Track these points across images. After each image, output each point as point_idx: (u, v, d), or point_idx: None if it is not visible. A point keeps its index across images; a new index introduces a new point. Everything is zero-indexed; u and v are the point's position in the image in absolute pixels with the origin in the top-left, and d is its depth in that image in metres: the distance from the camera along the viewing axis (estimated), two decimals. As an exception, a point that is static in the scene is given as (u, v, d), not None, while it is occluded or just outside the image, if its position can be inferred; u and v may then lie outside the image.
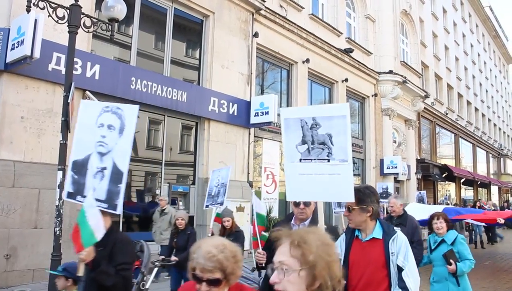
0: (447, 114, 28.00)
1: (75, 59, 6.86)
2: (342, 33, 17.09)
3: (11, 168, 7.22)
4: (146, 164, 10.26)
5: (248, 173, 12.01)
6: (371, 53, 19.27)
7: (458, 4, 33.27)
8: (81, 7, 6.29)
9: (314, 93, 15.76)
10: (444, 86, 28.57)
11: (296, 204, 3.36)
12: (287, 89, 14.59)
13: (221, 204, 7.09)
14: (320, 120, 2.79)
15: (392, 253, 2.77)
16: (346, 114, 2.75)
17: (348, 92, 17.47)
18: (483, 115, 37.33)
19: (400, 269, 2.74)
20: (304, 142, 2.85)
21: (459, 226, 13.51)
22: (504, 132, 45.45)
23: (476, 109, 35.48)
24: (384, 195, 13.74)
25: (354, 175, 16.68)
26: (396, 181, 19.79)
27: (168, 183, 10.31)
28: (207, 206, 7.46)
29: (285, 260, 1.49)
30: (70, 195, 3.22)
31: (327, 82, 16.55)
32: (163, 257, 6.64)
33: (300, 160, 2.87)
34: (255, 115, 11.79)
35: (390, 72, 19.43)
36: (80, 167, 3.17)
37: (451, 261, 4.91)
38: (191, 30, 11.56)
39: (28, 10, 6.20)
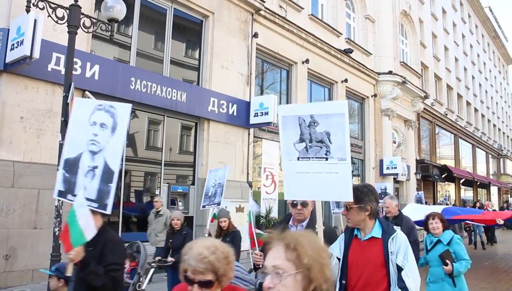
0: (446, 114, 28.02)
1: (75, 59, 6.85)
2: (341, 34, 17.09)
3: (10, 168, 7.22)
4: (145, 164, 10.26)
5: (248, 173, 12.01)
6: (371, 54, 19.28)
7: (457, 5, 33.29)
8: (81, 7, 6.30)
9: (313, 94, 15.77)
10: (444, 86, 28.59)
11: (294, 205, 3.34)
12: (286, 89, 14.59)
13: (218, 204, 7.08)
14: (318, 118, 2.75)
15: (391, 252, 2.74)
16: (344, 112, 2.70)
17: (348, 93, 17.47)
18: (482, 116, 37.35)
19: (399, 269, 2.71)
20: (302, 140, 2.80)
21: (458, 227, 13.53)
22: (503, 133, 45.47)
23: (476, 110, 35.50)
24: (382, 196, 13.73)
25: (354, 175, 16.76)
26: (396, 181, 19.79)
27: (167, 183, 10.31)
28: (203, 207, 7.45)
29: (280, 264, 1.45)
30: (61, 194, 3.18)
31: (327, 82, 16.56)
32: (159, 258, 6.64)
33: (298, 158, 2.82)
34: (254, 116, 11.80)
35: (390, 72, 19.44)
36: (72, 165, 3.14)
37: (447, 261, 4.87)
38: (190, 31, 11.56)
39: (27, 10, 6.20)
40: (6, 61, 7.18)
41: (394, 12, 20.38)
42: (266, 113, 11.55)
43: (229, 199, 10.26)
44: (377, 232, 2.84)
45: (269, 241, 1.55)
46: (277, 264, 1.45)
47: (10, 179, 7.16)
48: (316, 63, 15.23)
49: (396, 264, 2.72)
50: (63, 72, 6.98)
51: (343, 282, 2.83)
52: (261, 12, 12.77)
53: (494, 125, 41.63)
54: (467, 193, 33.18)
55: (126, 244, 5.79)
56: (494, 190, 39.22)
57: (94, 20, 6.82)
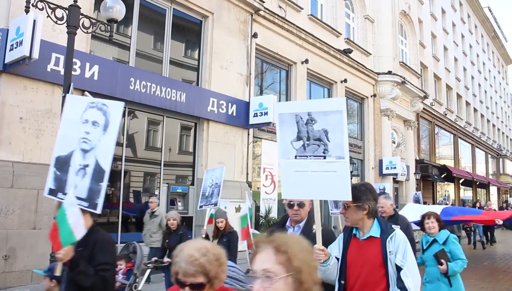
0: (446, 114, 28.03)
1: (74, 59, 6.85)
2: (341, 34, 17.10)
3: (9, 168, 7.22)
4: (145, 164, 10.26)
5: (247, 174, 12.01)
6: (370, 54, 19.28)
7: (457, 5, 33.31)
8: (80, 8, 6.30)
9: (313, 94, 15.77)
10: (443, 86, 28.60)
11: (290, 206, 3.28)
12: (286, 89, 14.59)
13: (215, 205, 7.07)
14: (316, 115, 2.68)
15: (390, 252, 2.69)
16: (342, 109, 2.63)
17: (347, 93, 17.48)
18: (482, 116, 37.38)
19: (398, 269, 2.66)
20: (299, 138, 2.74)
21: (456, 227, 13.52)
22: (503, 133, 45.51)
23: (475, 110, 35.52)
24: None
25: (353, 175, 16.76)
26: (395, 181, 19.81)
27: (167, 183, 10.31)
28: (201, 207, 7.45)
29: (270, 267, 1.42)
30: (52, 192, 3.14)
31: (326, 82, 16.57)
32: (155, 258, 6.63)
33: (296, 156, 2.77)
34: (254, 116, 11.80)
35: (389, 72, 19.44)
36: (63, 163, 3.10)
37: (442, 261, 4.84)
38: (190, 31, 11.56)
39: (26, 11, 6.21)
40: (5, 62, 7.18)
41: (393, 12, 20.39)
42: (266, 113, 11.56)
43: (228, 199, 10.28)
44: (375, 231, 2.80)
45: (257, 244, 1.52)
46: (267, 267, 1.42)
47: (10, 179, 7.16)
48: (315, 63, 15.23)
49: (395, 264, 2.68)
50: (62, 72, 6.98)
51: (342, 282, 2.79)
52: (261, 12, 12.77)
53: (494, 125, 41.67)
54: (466, 193, 33.20)
55: (123, 245, 5.79)
56: (493, 190, 39.25)
57: (94, 21, 6.83)
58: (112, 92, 8.77)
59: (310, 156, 2.72)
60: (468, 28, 35.80)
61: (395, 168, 18.60)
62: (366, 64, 18.69)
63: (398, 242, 2.72)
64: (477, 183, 32.99)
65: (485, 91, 39.28)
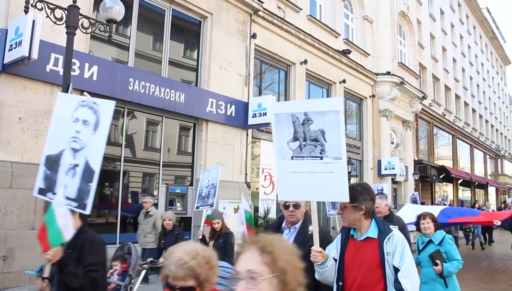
0: (444, 115, 28.07)
1: (73, 60, 6.85)
2: (340, 35, 17.12)
3: (8, 169, 7.21)
4: (143, 164, 10.25)
5: (246, 174, 12.02)
6: (369, 55, 19.30)
7: (455, 6, 33.36)
8: (79, 8, 6.30)
9: (312, 95, 15.78)
10: (442, 87, 28.65)
11: (286, 207, 3.24)
12: (285, 90, 14.60)
13: (211, 205, 7.06)
14: (312, 115, 2.63)
15: (387, 253, 2.65)
16: (339, 109, 2.59)
17: (346, 94, 17.49)
18: (480, 116, 37.44)
19: (396, 270, 2.61)
20: (295, 138, 2.69)
21: (453, 227, 13.54)
22: (501, 134, 45.59)
23: (474, 110, 35.57)
24: (378, 197, 13.73)
25: (352, 176, 16.76)
26: (394, 182, 19.83)
27: (165, 184, 10.31)
28: (197, 208, 7.43)
29: (255, 268, 1.40)
30: (41, 191, 3.10)
31: (325, 83, 16.58)
32: (151, 259, 6.62)
33: (292, 157, 2.72)
34: (253, 117, 11.81)
35: (388, 73, 19.47)
36: (53, 163, 3.05)
37: (437, 261, 4.84)
38: (189, 31, 11.56)
39: (26, 11, 6.21)
40: (4, 62, 7.17)
41: (392, 13, 20.42)
42: (265, 114, 11.56)
43: (227, 200, 10.28)
44: (373, 232, 2.76)
45: (241, 245, 1.50)
46: (252, 268, 1.40)
47: (8, 180, 7.15)
48: (314, 64, 15.24)
49: (393, 265, 2.63)
50: (61, 73, 6.99)
51: (340, 283, 2.76)
52: (260, 13, 12.78)
53: (492, 126, 41.74)
54: (465, 194, 33.25)
55: (119, 245, 5.78)
56: (492, 190, 39.31)
57: (93, 21, 6.83)
58: (111, 92, 8.76)
59: (306, 157, 2.68)
60: (466, 29, 35.86)
61: (393, 168, 18.61)
62: (365, 64, 18.71)
63: (395, 242, 2.68)
64: (476, 184, 33.04)
65: (484, 92, 39.34)
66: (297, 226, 3.26)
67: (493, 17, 45.43)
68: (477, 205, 20.48)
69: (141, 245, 8.48)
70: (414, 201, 16.16)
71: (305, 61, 14.69)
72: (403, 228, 5.35)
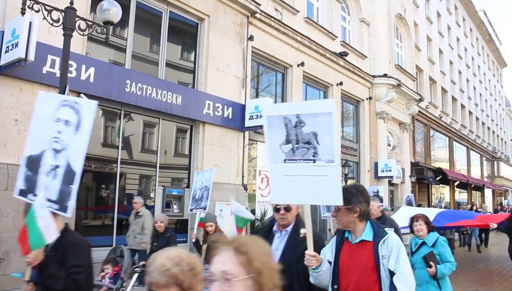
0: (441, 117, 28.16)
1: (70, 62, 6.85)
2: (337, 37, 17.16)
3: (4, 171, 7.19)
4: (140, 167, 10.24)
5: (243, 176, 12.01)
6: (366, 57, 19.35)
7: (452, 8, 33.50)
8: (76, 10, 6.30)
9: (309, 97, 15.80)
10: (439, 89, 28.74)
11: (277, 210, 3.19)
12: (282, 92, 14.61)
13: (204, 208, 7.03)
14: (305, 117, 2.58)
15: (382, 256, 2.61)
16: (331, 111, 2.55)
17: (343, 96, 17.53)
18: (477, 118, 37.57)
19: (392, 273, 2.57)
20: (288, 141, 2.66)
21: (448, 230, 13.57)
22: (497, 136, 45.76)
23: (470, 112, 35.70)
24: (375, 199, 13.72)
25: (349, 178, 16.78)
26: (391, 184, 19.86)
27: (162, 186, 10.29)
28: (191, 210, 7.41)
29: (229, 268, 1.36)
30: (22, 193, 3.01)
31: (322, 85, 16.60)
32: (143, 263, 6.58)
33: (285, 160, 2.69)
34: (250, 119, 11.81)
35: (385, 75, 19.52)
36: (34, 163, 2.97)
37: (430, 263, 4.83)
38: (186, 33, 11.57)
39: (22, 13, 6.20)
40: (1, 64, 7.15)
41: (389, 15, 20.49)
42: (261, 116, 11.54)
43: (224, 202, 10.26)
44: (368, 234, 2.72)
45: (215, 246, 1.46)
46: (226, 269, 1.37)
47: (4, 182, 7.12)
48: (311, 66, 15.27)
49: (388, 268, 2.59)
50: (58, 74, 6.97)
51: (335, 287, 2.73)
52: (257, 15, 12.79)
53: (489, 128, 41.90)
54: (461, 196, 33.35)
55: (111, 248, 5.75)
56: (488, 192, 39.44)
57: (90, 23, 6.82)
58: (108, 94, 8.76)
59: (299, 160, 2.64)
60: (463, 31, 36.01)
61: (390, 170, 18.65)
62: (362, 67, 18.75)
63: (391, 245, 2.63)
64: (472, 186, 33.16)
65: (480, 94, 39.49)
66: (289, 229, 3.21)
67: (490, 19, 45.68)
68: (474, 207, 20.52)
69: (130, 246, 8.37)
70: (409, 203, 16.15)
71: (302, 64, 14.71)
72: (395, 231, 5.33)
